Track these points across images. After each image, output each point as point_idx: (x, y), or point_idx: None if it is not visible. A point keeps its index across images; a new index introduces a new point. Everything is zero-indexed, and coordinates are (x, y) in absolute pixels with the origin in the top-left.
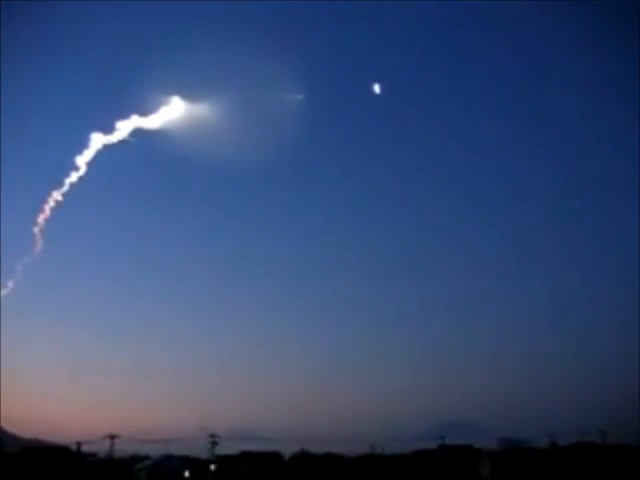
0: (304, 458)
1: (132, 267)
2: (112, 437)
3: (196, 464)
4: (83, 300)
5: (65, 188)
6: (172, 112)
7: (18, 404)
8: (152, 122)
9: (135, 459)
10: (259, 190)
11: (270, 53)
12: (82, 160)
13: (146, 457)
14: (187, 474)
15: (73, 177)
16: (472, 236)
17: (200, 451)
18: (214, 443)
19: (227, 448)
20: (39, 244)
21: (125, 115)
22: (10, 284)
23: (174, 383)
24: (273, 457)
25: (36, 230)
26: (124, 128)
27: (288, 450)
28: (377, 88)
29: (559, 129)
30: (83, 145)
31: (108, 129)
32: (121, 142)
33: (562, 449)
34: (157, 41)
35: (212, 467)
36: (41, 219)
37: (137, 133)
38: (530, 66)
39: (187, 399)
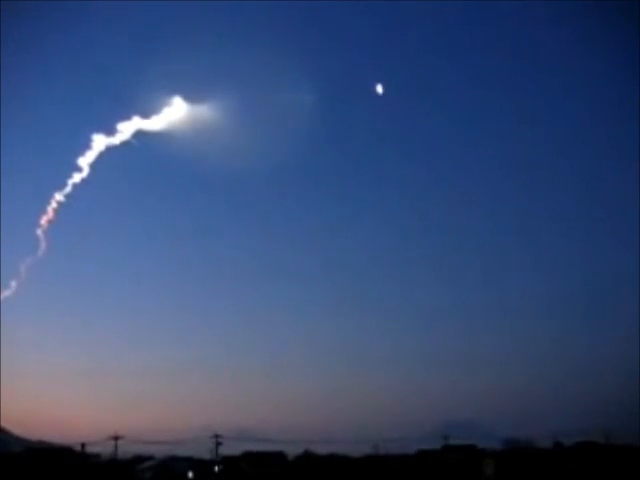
0: (308, 458)
1: (135, 268)
2: (116, 438)
3: (200, 465)
4: (86, 301)
5: (68, 189)
6: (174, 113)
7: (23, 406)
8: (154, 124)
9: (139, 460)
10: (263, 191)
11: (274, 53)
12: (84, 161)
13: (150, 458)
14: (191, 475)
15: (75, 178)
16: (477, 238)
17: (204, 452)
18: (218, 444)
19: (231, 449)
20: (42, 245)
21: (127, 116)
22: (13, 284)
23: (178, 384)
24: (277, 457)
25: (39, 231)
26: (126, 130)
27: (292, 450)
28: (379, 88)
29: (564, 129)
30: (85, 146)
31: (110, 130)
32: (123, 144)
33: (566, 449)
34: (159, 40)
35: (216, 468)
36: (44, 220)
37: (139, 135)
38: (533, 65)
39: (191, 400)
